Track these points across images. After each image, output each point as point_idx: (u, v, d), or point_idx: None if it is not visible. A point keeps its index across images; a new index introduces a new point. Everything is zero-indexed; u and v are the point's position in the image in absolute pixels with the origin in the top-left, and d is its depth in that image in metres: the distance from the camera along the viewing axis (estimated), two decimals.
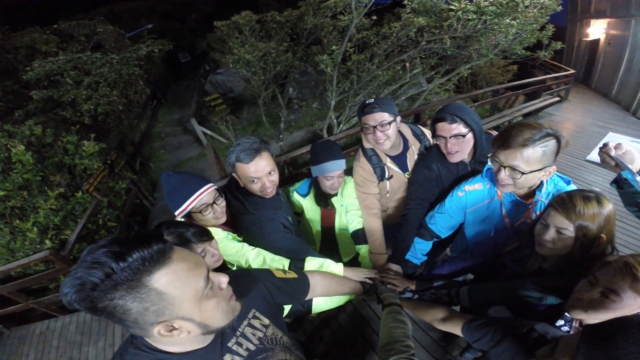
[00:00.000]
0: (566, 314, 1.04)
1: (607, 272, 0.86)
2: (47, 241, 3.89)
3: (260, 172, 1.37)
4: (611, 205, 1.03)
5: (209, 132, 8.84)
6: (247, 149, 1.35)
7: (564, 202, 1.05)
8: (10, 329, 3.38)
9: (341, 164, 1.72)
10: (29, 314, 3.67)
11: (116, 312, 0.58)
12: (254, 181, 1.39)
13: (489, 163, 1.29)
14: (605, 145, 1.15)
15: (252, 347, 0.85)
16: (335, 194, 1.88)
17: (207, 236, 1.24)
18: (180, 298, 0.63)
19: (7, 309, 3.33)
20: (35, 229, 3.84)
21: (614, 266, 0.85)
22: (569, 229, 1.03)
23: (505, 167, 1.19)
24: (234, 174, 1.46)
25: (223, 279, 0.74)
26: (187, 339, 0.70)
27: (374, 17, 6.15)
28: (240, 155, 1.35)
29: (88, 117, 7.47)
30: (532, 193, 1.32)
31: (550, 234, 1.08)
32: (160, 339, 0.68)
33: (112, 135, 8.08)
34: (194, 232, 1.18)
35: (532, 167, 1.16)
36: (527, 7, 5.24)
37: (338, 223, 1.99)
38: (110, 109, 7.82)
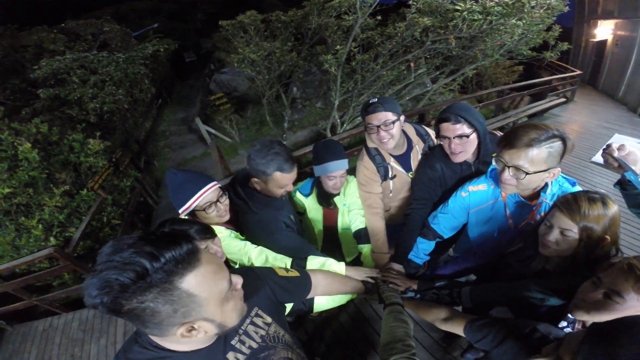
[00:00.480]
0: (569, 315, 1.03)
1: (611, 274, 0.86)
2: (51, 238, 3.91)
3: (293, 178, 1.44)
4: (616, 206, 1.03)
5: (213, 131, 8.85)
6: (287, 160, 1.39)
7: (568, 203, 1.04)
8: (13, 326, 3.40)
9: (344, 163, 1.72)
10: (32, 311, 3.69)
11: (144, 314, 0.57)
12: (287, 185, 1.45)
13: (494, 163, 1.28)
14: (608, 146, 1.14)
15: (254, 345, 0.85)
16: (338, 194, 1.88)
17: (210, 233, 1.23)
18: (207, 300, 0.64)
19: (10, 306, 3.35)
20: (40, 226, 3.86)
21: (618, 267, 0.85)
22: (573, 230, 1.03)
23: (509, 167, 1.18)
24: (254, 179, 1.47)
25: (239, 281, 0.75)
26: (196, 338, 0.69)
27: (379, 17, 6.12)
28: (284, 166, 1.39)
29: (94, 116, 7.51)
30: (536, 194, 1.31)
31: (554, 235, 1.07)
32: (171, 338, 0.68)
33: (117, 134, 8.11)
34: (197, 230, 1.18)
35: (537, 167, 1.15)
36: (533, 7, 5.20)
37: (340, 222, 1.99)
38: (115, 107, 7.86)
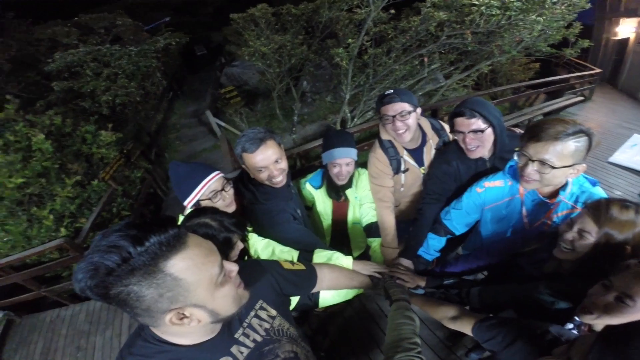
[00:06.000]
0: (576, 317, 1.01)
1: (624, 277, 0.83)
2: (62, 229, 3.97)
3: (266, 160, 1.36)
4: None
5: (223, 124, 8.88)
6: (251, 139, 1.34)
7: (598, 206, 1.01)
8: (22, 317, 3.46)
9: (350, 152, 1.69)
10: (41, 302, 3.76)
11: (129, 299, 0.57)
12: (261, 170, 1.38)
13: (515, 157, 1.24)
14: None
15: (258, 338, 0.84)
16: (344, 185, 1.84)
17: (244, 227, 1.25)
18: (196, 284, 0.62)
19: (20, 297, 3.42)
20: (51, 216, 3.92)
21: (633, 270, 0.83)
22: (592, 233, 0.99)
23: (533, 161, 1.14)
24: (243, 166, 1.46)
25: (233, 267, 0.73)
26: (195, 329, 0.69)
27: (392, 11, 6.03)
28: (246, 145, 1.34)
29: (106, 108, 7.62)
30: (555, 193, 1.26)
31: (572, 234, 1.04)
32: (169, 330, 0.67)
33: (129, 126, 8.21)
34: (233, 222, 1.19)
35: (563, 162, 1.10)
36: (554, 3, 5.08)
37: (351, 216, 1.96)
38: (127, 100, 7.95)
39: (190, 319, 0.64)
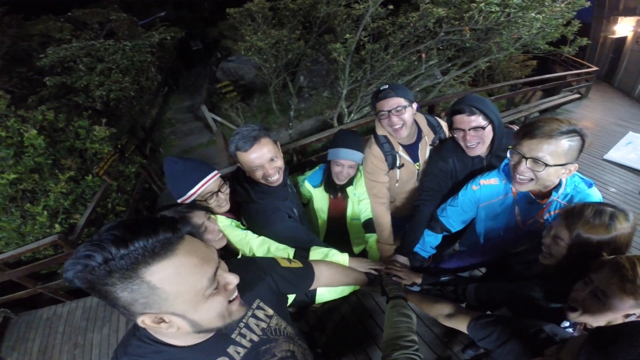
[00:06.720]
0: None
1: (600, 273, 0.88)
2: (56, 225, 3.92)
3: (261, 159, 1.34)
4: (626, 224, 0.96)
5: (219, 119, 8.81)
6: (245, 137, 1.31)
7: (572, 211, 1.02)
8: (18, 315, 3.42)
9: (355, 155, 1.69)
10: (37, 299, 3.71)
11: (108, 297, 0.56)
12: (256, 169, 1.36)
13: (508, 155, 1.22)
14: None
15: (255, 338, 0.83)
16: (345, 185, 1.84)
17: (209, 212, 1.22)
18: (175, 295, 0.59)
19: (16, 294, 3.37)
20: (45, 212, 3.87)
21: (607, 266, 0.86)
22: (564, 240, 1.01)
23: (527, 159, 1.13)
24: (238, 164, 1.43)
25: (233, 280, 0.69)
26: (181, 334, 0.66)
27: (391, 7, 6.02)
28: (239, 144, 1.32)
29: (100, 103, 7.55)
30: (547, 193, 1.26)
31: (548, 239, 1.07)
32: (159, 331, 0.65)
33: (123, 121, 8.14)
34: (189, 204, 1.19)
35: (557, 160, 1.10)
36: (554, 1, 5.08)
37: (350, 212, 1.96)
38: (122, 95, 7.88)
39: (169, 325, 0.62)
